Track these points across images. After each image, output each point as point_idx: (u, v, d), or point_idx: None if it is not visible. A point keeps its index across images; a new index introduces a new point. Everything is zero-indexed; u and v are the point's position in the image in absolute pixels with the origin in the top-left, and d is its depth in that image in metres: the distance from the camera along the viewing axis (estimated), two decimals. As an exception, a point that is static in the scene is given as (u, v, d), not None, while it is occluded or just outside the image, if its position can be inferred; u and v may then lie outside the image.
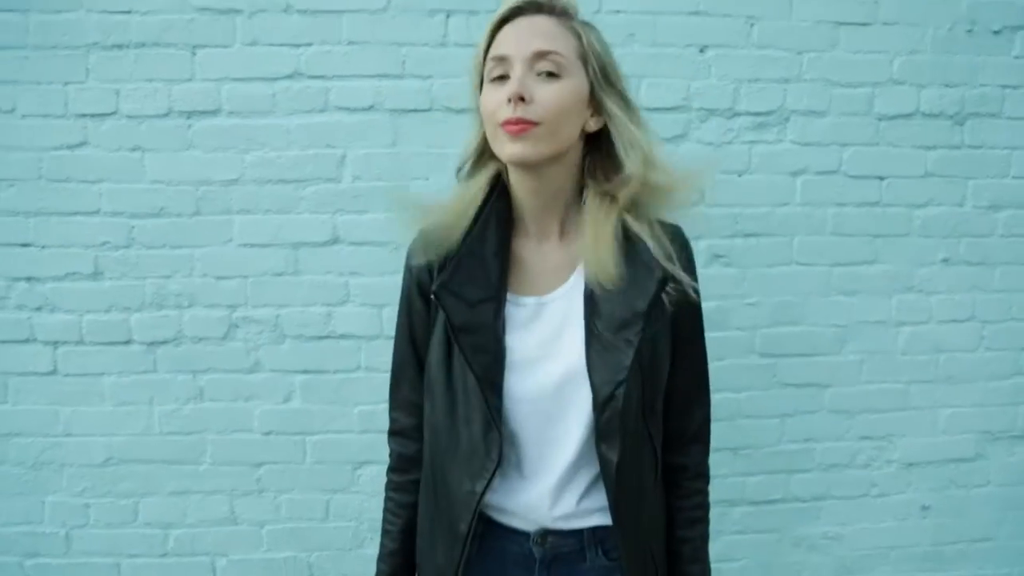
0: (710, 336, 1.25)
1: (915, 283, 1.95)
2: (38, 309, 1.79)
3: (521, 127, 1.04)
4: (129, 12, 1.73)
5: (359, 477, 1.88)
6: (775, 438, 1.95)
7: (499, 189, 1.15)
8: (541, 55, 1.05)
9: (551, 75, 1.06)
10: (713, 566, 1.26)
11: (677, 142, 1.84)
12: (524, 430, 1.11)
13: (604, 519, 1.12)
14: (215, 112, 1.77)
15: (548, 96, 1.04)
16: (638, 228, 1.10)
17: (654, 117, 1.78)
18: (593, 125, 1.12)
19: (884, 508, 2.01)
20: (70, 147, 1.76)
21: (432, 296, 1.10)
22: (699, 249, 1.81)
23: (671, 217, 1.17)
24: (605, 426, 1.06)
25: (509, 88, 1.04)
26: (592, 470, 1.11)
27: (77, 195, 1.77)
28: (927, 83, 1.89)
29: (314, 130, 1.79)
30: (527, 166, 1.09)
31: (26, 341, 1.80)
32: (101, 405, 1.83)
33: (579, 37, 1.10)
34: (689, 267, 1.15)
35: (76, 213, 1.78)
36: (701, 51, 1.84)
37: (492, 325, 1.10)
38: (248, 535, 1.89)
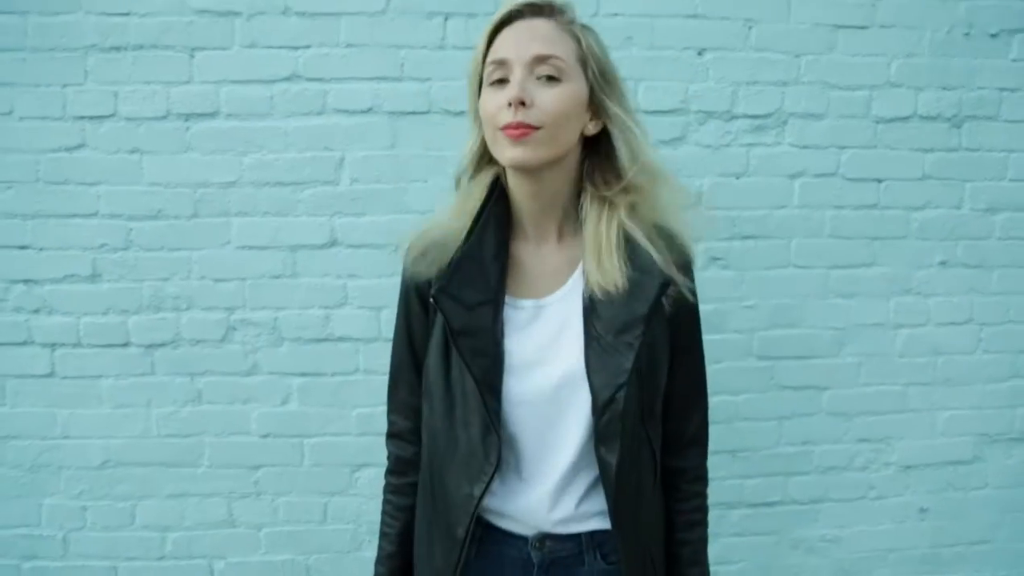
0: (708, 338, 1.25)
1: (913, 285, 1.95)
2: (36, 311, 1.79)
3: (522, 131, 1.04)
4: (127, 14, 1.73)
5: (357, 480, 1.88)
6: (773, 440, 1.95)
7: (498, 192, 1.15)
8: (541, 59, 1.05)
9: (551, 79, 1.06)
10: (711, 568, 1.26)
11: (675, 145, 1.85)
12: (523, 433, 1.11)
13: (603, 523, 1.12)
14: (213, 114, 1.77)
15: (548, 100, 1.04)
16: (638, 232, 1.10)
17: (652, 120, 1.80)
18: (592, 128, 1.12)
19: (882, 510, 2.01)
20: (68, 149, 1.76)
21: (431, 299, 1.10)
22: (697, 251, 1.81)
23: (669, 220, 1.17)
24: (604, 429, 1.06)
25: (509, 92, 1.04)
26: (591, 473, 1.11)
27: (75, 197, 1.77)
28: (925, 86, 1.89)
29: (312, 132, 1.79)
30: (527, 170, 1.09)
31: (24, 343, 1.80)
32: (99, 407, 1.83)
33: (578, 40, 1.10)
34: (687, 271, 1.15)
35: (74, 215, 1.78)
36: (699, 54, 1.84)
37: (491, 328, 1.10)
38: (246, 538, 1.88)
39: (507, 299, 1.13)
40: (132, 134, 1.76)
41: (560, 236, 1.17)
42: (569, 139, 1.09)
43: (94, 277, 1.79)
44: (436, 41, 1.78)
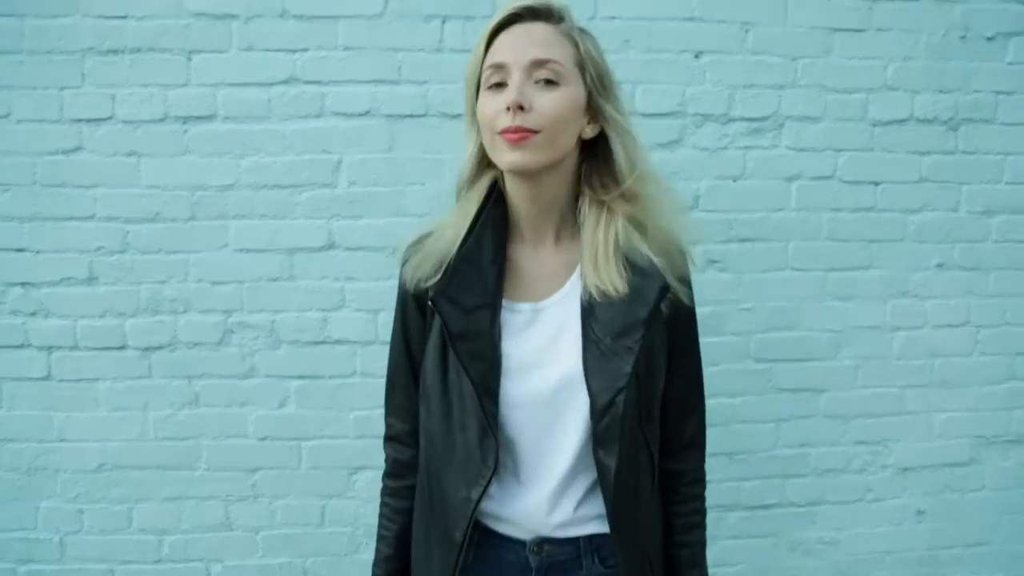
0: (705, 341, 1.26)
1: (910, 288, 1.96)
2: (32, 314, 1.79)
3: (520, 135, 1.04)
4: (125, 17, 1.73)
5: (354, 483, 1.88)
6: (770, 443, 1.96)
7: (495, 196, 1.15)
8: (539, 63, 1.05)
9: (549, 83, 1.06)
10: (709, 571, 1.26)
11: (672, 147, 1.85)
12: (521, 436, 1.11)
13: (601, 527, 1.12)
14: (211, 117, 1.77)
15: (547, 104, 1.05)
16: (636, 236, 1.10)
17: (649, 123, 1.80)
18: (590, 132, 1.12)
19: (879, 513, 2.01)
20: (65, 152, 1.76)
21: (429, 303, 1.10)
22: (694, 254, 1.81)
23: (665, 224, 1.18)
24: (603, 432, 1.06)
25: (508, 97, 1.04)
26: (589, 477, 1.11)
27: (72, 200, 1.77)
28: (921, 89, 1.90)
29: (310, 135, 1.79)
30: (525, 174, 1.09)
31: (20, 346, 1.80)
32: (95, 410, 1.82)
33: (576, 45, 1.10)
34: (685, 274, 1.15)
35: (71, 218, 1.77)
36: (696, 57, 1.84)
37: (488, 332, 1.10)
38: (243, 541, 1.88)
39: (504, 302, 1.13)
40: (129, 137, 1.76)
41: (557, 239, 1.17)
42: (567, 143, 1.10)
43: (91, 280, 1.79)
44: (434, 44, 1.79)
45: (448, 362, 1.12)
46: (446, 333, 1.09)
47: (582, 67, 1.10)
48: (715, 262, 1.89)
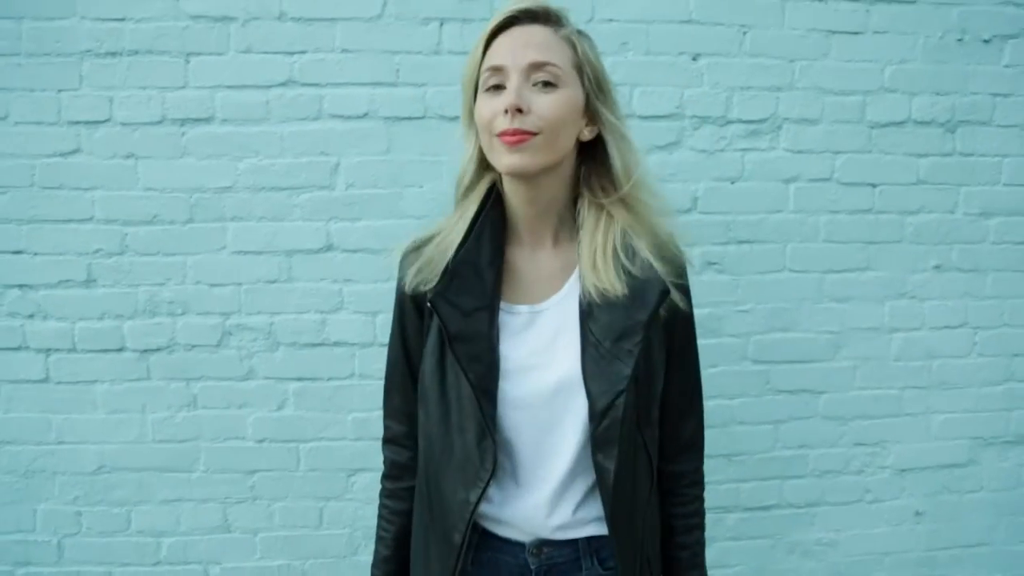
0: (703, 343, 1.26)
1: (908, 290, 1.96)
2: (30, 316, 1.79)
3: (519, 138, 1.04)
4: (123, 19, 1.73)
5: (353, 484, 1.88)
6: (769, 444, 1.96)
7: (494, 198, 1.15)
8: (537, 66, 1.05)
9: (547, 85, 1.06)
10: (708, 572, 1.26)
11: (670, 150, 1.85)
12: (519, 438, 1.11)
13: (600, 528, 1.12)
14: (209, 119, 1.77)
15: (545, 106, 1.05)
16: (636, 240, 1.11)
17: (647, 125, 1.81)
18: (587, 134, 1.13)
19: (878, 514, 2.01)
20: (63, 154, 1.76)
21: (428, 304, 1.10)
22: (692, 256, 1.80)
23: (662, 227, 1.18)
24: (602, 435, 1.06)
25: (506, 99, 1.04)
26: (588, 479, 1.11)
27: (70, 202, 1.77)
28: (918, 91, 1.90)
29: (308, 138, 1.79)
30: (524, 176, 1.09)
31: (18, 348, 1.80)
32: (93, 413, 1.82)
33: (574, 47, 1.10)
34: (683, 276, 1.15)
35: (69, 220, 1.77)
36: (694, 59, 1.84)
37: (487, 334, 1.10)
38: (241, 543, 1.88)
39: (502, 305, 1.13)
40: (127, 139, 1.76)
41: (555, 242, 1.17)
42: (566, 145, 1.10)
43: (89, 282, 1.79)
44: (431, 46, 1.79)
45: (446, 364, 1.12)
46: (445, 335, 1.09)
47: (580, 70, 1.10)
48: (713, 264, 1.89)
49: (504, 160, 1.06)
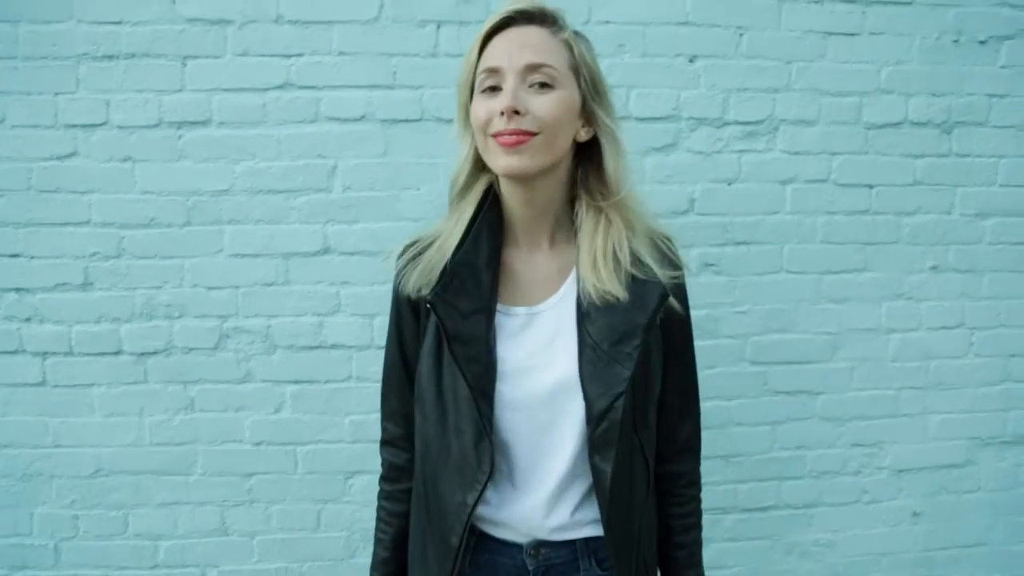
0: (701, 344, 1.26)
1: (904, 290, 1.96)
2: (27, 320, 1.79)
3: (517, 139, 1.03)
4: (120, 23, 1.73)
5: (350, 487, 1.87)
6: (766, 445, 1.96)
7: (491, 200, 1.15)
8: (533, 68, 1.05)
9: (544, 86, 1.06)
10: (706, 573, 1.26)
11: (667, 151, 1.85)
12: (516, 440, 1.11)
13: (598, 529, 1.12)
14: (206, 122, 1.77)
15: (542, 106, 1.04)
16: (635, 242, 1.11)
17: (644, 126, 1.81)
18: (584, 135, 1.12)
19: (875, 514, 2.02)
20: (60, 157, 1.76)
21: (427, 306, 1.10)
22: (690, 257, 1.82)
23: (662, 227, 1.18)
24: (600, 438, 1.06)
25: (502, 101, 1.04)
26: (586, 481, 1.11)
27: (67, 205, 1.77)
28: (915, 92, 1.90)
29: (305, 140, 1.79)
30: (522, 178, 1.09)
31: (15, 352, 1.79)
32: (91, 416, 1.82)
33: (571, 49, 1.09)
34: (680, 278, 1.15)
35: (66, 223, 1.77)
36: (691, 61, 1.85)
37: (484, 336, 1.10)
38: (239, 546, 1.88)
39: (499, 307, 1.13)
40: (124, 142, 1.76)
41: (552, 243, 1.17)
42: (563, 145, 1.09)
43: (86, 285, 1.79)
44: (428, 49, 1.79)
45: (443, 366, 1.12)
46: (443, 335, 1.09)
47: (576, 71, 1.09)
48: (710, 265, 1.89)
49: (501, 162, 1.06)
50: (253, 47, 1.76)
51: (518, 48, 1.06)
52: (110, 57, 1.74)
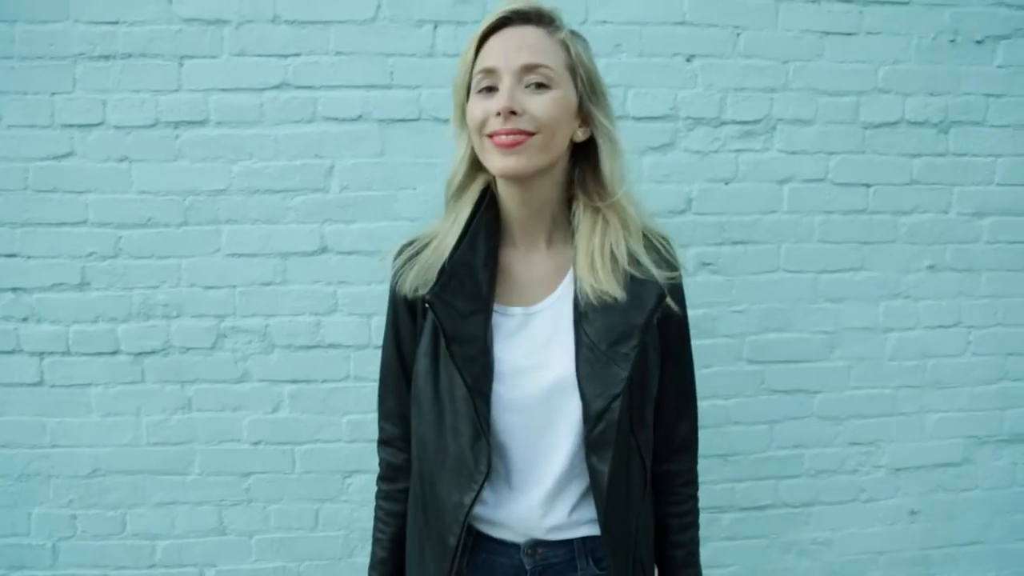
0: (698, 343, 1.26)
1: (902, 289, 1.96)
2: (24, 320, 1.78)
3: (514, 139, 1.03)
4: (116, 23, 1.73)
5: (348, 486, 1.88)
6: (764, 444, 1.96)
7: (488, 200, 1.15)
8: (530, 68, 1.05)
9: (540, 86, 1.05)
10: (703, 572, 1.26)
11: (664, 151, 1.85)
12: (513, 440, 1.11)
13: (595, 529, 1.12)
14: (203, 122, 1.77)
15: (539, 106, 1.04)
16: (632, 241, 1.11)
17: (641, 126, 1.81)
18: (581, 135, 1.13)
19: (873, 513, 2.02)
20: (57, 157, 1.75)
21: (426, 306, 1.09)
22: (687, 256, 1.82)
23: (659, 227, 1.18)
24: (597, 438, 1.06)
25: (498, 102, 1.04)
26: (583, 481, 1.11)
27: (64, 205, 1.76)
28: (912, 92, 1.90)
29: (302, 140, 1.79)
30: (519, 179, 1.09)
31: (12, 352, 1.79)
32: (88, 416, 1.82)
33: (567, 49, 1.09)
34: (677, 277, 1.15)
35: (63, 223, 1.77)
36: (688, 60, 1.85)
37: (481, 336, 1.10)
38: (237, 545, 1.88)
39: (496, 307, 1.13)
40: (121, 142, 1.76)
41: (549, 243, 1.17)
42: (560, 145, 1.10)
43: (83, 285, 1.79)
44: (425, 49, 1.79)
45: (440, 366, 1.12)
46: (442, 336, 1.08)
47: (573, 71, 1.09)
48: (707, 264, 1.89)
49: (498, 162, 1.06)
50: (250, 47, 1.76)
51: (514, 48, 1.06)
52: (107, 57, 1.74)
